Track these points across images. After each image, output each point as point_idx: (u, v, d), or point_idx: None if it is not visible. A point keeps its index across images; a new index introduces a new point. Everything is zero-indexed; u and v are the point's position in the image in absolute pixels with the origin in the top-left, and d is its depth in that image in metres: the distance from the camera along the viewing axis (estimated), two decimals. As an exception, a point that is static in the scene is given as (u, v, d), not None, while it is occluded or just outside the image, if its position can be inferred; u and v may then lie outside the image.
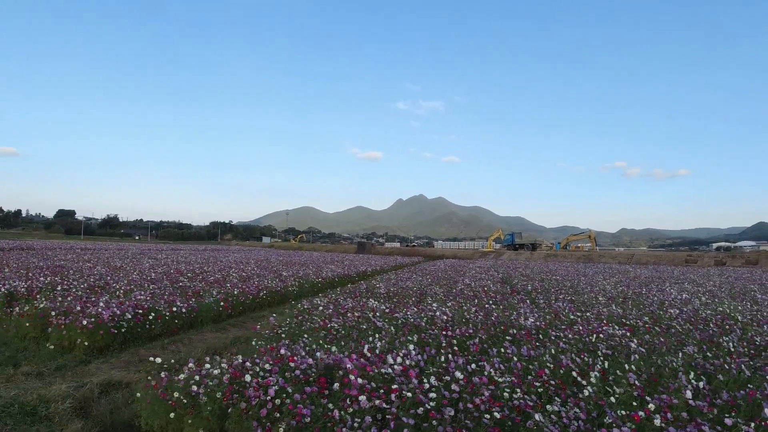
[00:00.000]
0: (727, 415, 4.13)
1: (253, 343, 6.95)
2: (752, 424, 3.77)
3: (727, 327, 8.26)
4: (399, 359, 5.06)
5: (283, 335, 7.46)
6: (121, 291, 11.94)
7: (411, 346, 5.83)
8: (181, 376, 4.79)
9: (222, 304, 11.75)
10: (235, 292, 13.08)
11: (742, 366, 5.35)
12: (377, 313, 8.67)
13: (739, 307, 10.95)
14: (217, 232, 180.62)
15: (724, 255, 58.64)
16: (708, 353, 6.27)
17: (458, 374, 4.70)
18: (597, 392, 4.52)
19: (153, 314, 9.54)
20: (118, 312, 8.86)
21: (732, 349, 6.46)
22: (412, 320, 7.87)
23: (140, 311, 9.43)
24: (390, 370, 4.75)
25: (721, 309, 10.54)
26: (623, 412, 3.95)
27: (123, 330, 8.67)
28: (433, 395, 4.26)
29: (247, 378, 4.53)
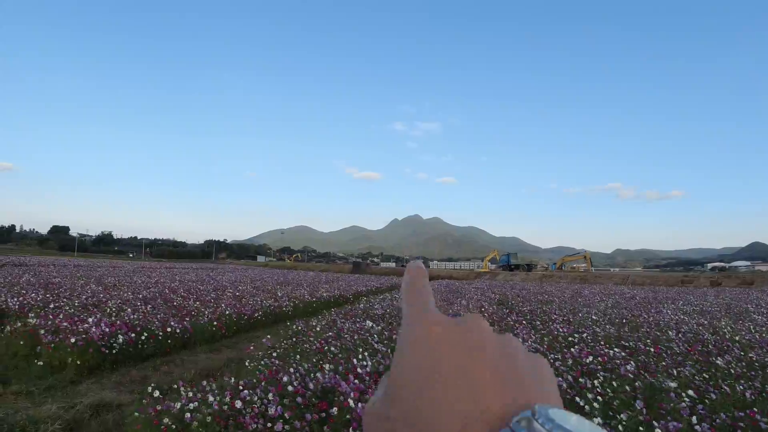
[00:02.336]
0: None
1: (251, 364, 6.81)
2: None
3: (726, 348, 8.19)
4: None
5: (276, 359, 7.33)
6: (114, 309, 11.79)
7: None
8: (177, 404, 4.65)
9: (216, 324, 11.59)
10: (229, 313, 12.92)
11: (740, 387, 5.30)
12: (374, 335, 8.57)
13: (737, 328, 10.89)
14: (211, 250, 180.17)
15: (719, 275, 58.67)
16: (705, 374, 6.21)
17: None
18: (602, 416, 4.43)
19: (145, 334, 9.40)
20: (109, 331, 8.73)
21: (731, 371, 6.40)
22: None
23: (133, 333, 9.29)
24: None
25: (721, 331, 10.48)
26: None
27: (114, 350, 8.54)
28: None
29: (238, 404, 4.41)
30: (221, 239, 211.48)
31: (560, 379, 5.28)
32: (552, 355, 7.16)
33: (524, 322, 11.78)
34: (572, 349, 7.62)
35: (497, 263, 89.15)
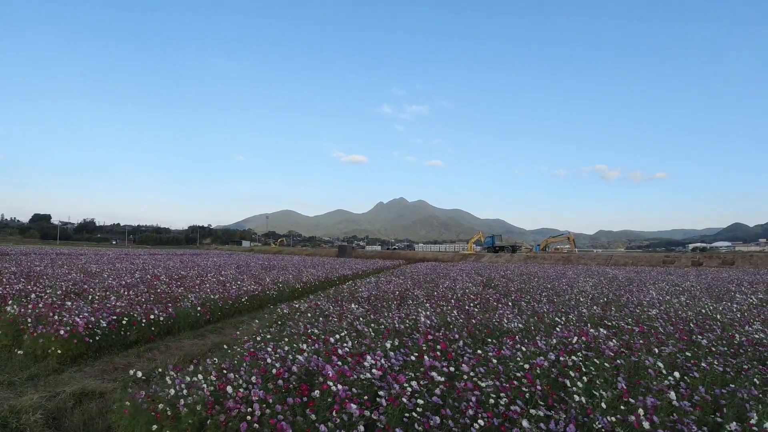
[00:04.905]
0: (711, 415, 4.15)
1: (234, 349, 6.77)
2: (734, 424, 3.74)
3: (707, 327, 8.30)
4: (377, 362, 4.95)
5: (262, 341, 7.30)
6: (97, 297, 11.66)
7: (389, 346, 5.76)
8: (171, 391, 4.58)
9: (200, 309, 11.52)
10: (214, 297, 12.86)
11: (717, 364, 5.40)
12: (360, 318, 8.56)
13: (720, 308, 11.05)
14: (195, 236, 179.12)
15: (701, 256, 59.78)
16: (688, 353, 6.29)
17: (440, 378, 4.62)
18: (584, 395, 4.46)
19: (128, 321, 9.31)
20: (93, 319, 8.64)
21: (713, 349, 6.49)
22: (395, 324, 7.78)
23: (115, 318, 9.20)
24: (369, 375, 4.62)
25: (701, 310, 10.62)
26: (613, 419, 3.89)
27: (97, 338, 8.45)
28: (420, 401, 4.16)
29: (229, 389, 4.37)
30: (205, 225, 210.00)
31: (542, 358, 5.30)
32: (535, 334, 7.21)
33: (509, 303, 11.86)
34: (556, 329, 7.69)
35: (482, 245, 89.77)
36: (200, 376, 4.74)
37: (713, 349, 6.52)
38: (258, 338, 7.18)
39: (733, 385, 4.75)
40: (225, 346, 7.30)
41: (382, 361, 5.08)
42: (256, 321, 9.53)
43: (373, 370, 4.69)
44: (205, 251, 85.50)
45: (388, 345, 5.82)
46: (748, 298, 13.31)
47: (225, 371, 4.95)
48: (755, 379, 5.04)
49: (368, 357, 5.03)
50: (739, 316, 9.80)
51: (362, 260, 53.15)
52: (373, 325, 7.77)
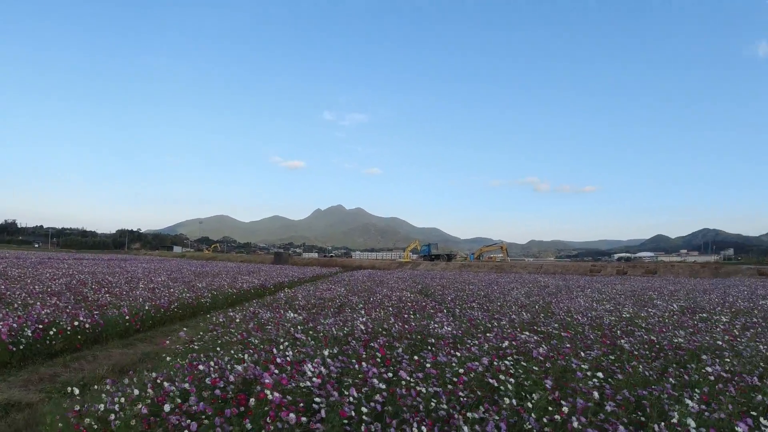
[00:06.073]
0: (633, 414, 4.46)
1: (168, 359, 6.61)
2: (661, 424, 4.01)
3: (630, 332, 8.85)
4: (317, 370, 4.99)
5: (196, 352, 7.17)
6: (19, 303, 11.11)
7: (327, 354, 5.81)
8: (101, 406, 4.36)
9: (128, 318, 11.14)
10: (144, 305, 12.46)
11: (639, 366, 5.79)
12: (297, 326, 8.55)
13: (642, 314, 11.72)
14: (124, 240, 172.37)
15: (625, 265, 62.79)
16: (612, 356, 6.70)
17: (381, 385, 4.70)
18: (515, 397, 4.67)
19: (54, 329, 8.93)
20: (16, 326, 8.26)
21: (635, 353, 6.94)
22: (333, 332, 7.82)
23: (40, 326, 8.81)
24: (308, 383, 4.66)
25: (625, 315, 11.26)
26: (545, 420, 4.11)
27: (21, 347, 8.08)
28: (364, 409, 4.22)
29: (167, 407, 4.22)
30: (134, 228, 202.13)
31: (476, 363, 5.50)
32: (470, 341, 7.44)
33: (444, 310, 12.13)
34: (488, 335, 7.97)
35: (419, 253, 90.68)
36: (135, 390, 4.60)
37: (635, 352, 6.97)
38: (195, 347, 7.08)
39: (655, 386, 5.09)
40: (157, 356, 7.15)
41: (321, 368, 5.12)
42: (185, 330, 9.33)
43: (313, 378, 4.73)
44: (134, 256, 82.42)
45: (326, 353, 5.87)
46: (668, 305, 14.13)
47: (160, 382, 4.84)
48: (675, 381, 5.43)
49: (308, 365, 5.07)
50: (659, 321, 10.45)
51: (299, 267, 52.71)
52: (311, 332, 7.79)
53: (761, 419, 4.00)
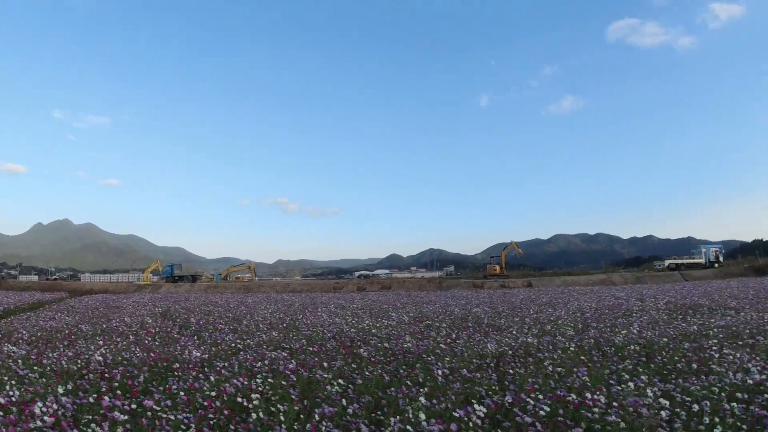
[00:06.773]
0: (374, 413, 5.04)
1: None
2: (398, 417, 4.60)
3: (367, 340, 9.86)
4: (49, 408, 4.51)
5: None
6: None
7: (61, 391, 5.27)
8: None
9: None
10: None
11: (376, 371, 6.51)
12: (18, 360, 7.49)
13: (377, 324, 12.93)
14: None
15: (364, 281, 67.73)
16: (353, 364, 7.38)
17: (123, 417, 4.45)
18: (264, 412, 4.84)
19: None
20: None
21: (372, 359, 7.75)
22: (64, 366, 7.04)
23: None
24: (40, 423, 4.20)
25: (363, 326, 12.30)
26: (295, 426, 4.36)
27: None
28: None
29: None
30: None
31: (228, 385, 5.53)
32: (219, 364, 7.39)
33: (190, 334, 11.75)
34: (239, 355, 8.03)
35: (160, 275, 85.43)
36: None
37: (372, 359, 7.84)
38: None
39: (393, 388, 5.80)
40: None
41: (55, 406, 4.63)
42: None
43: (45, 418, 4.26)
44: None
45: (60, 390, 5.30)
46: (400, 316, 15.73)
47: None
48: (409, 381, 6.25)
49: (38, 404, 4.54)
50: (393, 331, 11.66)
51: (15, 293, 45.47)
52: (36, 368, 6.91)
53: (476, 405, 4.82)
